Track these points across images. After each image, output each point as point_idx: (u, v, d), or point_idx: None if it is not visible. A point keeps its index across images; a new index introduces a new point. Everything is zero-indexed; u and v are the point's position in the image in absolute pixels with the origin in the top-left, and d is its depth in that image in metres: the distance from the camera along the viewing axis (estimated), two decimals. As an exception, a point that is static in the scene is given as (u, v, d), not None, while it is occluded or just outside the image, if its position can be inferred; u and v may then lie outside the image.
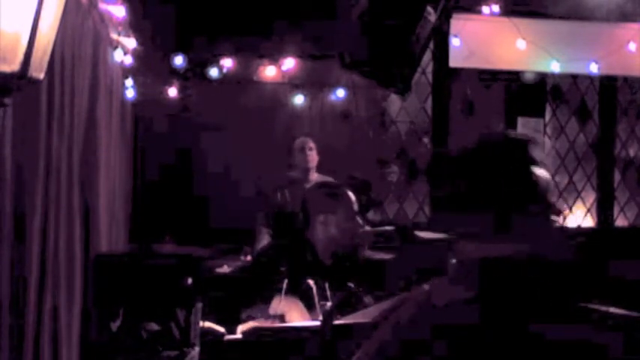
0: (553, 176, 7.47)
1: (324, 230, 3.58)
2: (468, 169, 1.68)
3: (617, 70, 7.30)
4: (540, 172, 1.66)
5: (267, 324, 3.47)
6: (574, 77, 7.46)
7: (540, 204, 1.63)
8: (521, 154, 1.66)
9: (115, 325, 3.84)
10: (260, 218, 5.58)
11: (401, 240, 4.95)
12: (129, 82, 5.60)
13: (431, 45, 6.62)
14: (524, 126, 7.37)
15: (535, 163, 1.65)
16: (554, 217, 1.65)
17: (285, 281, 3.50)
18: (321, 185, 4.14)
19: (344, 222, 3.57)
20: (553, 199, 1.68)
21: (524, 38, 6.86)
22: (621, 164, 7.66)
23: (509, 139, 1.74)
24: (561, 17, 7.00)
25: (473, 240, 1.60)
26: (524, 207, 1.61)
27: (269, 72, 6.67)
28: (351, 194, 3.69)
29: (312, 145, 5.79)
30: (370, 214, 6.09)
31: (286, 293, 3.49)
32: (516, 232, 1.59)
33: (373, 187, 5.74)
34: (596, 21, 6.99)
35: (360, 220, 3.65)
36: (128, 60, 5.31)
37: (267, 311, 3.56)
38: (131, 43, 5.27)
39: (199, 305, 3.79)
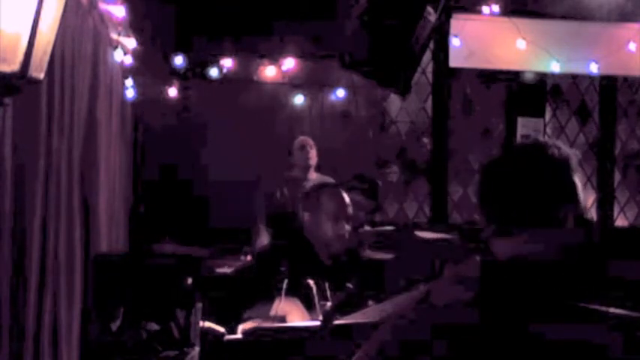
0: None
1: (314, 231, 3.58)
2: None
3: (617, 70, 7.30)
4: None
5: (267, 324, 3.47)
6: (574, 77, 7.46)
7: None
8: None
9: (115, 325, 3.84)
10: (260, 216, 5.58)
11: (401, 240, 4.94)
12: (129, 82, 5.60)
13: (431, 45, 6.62)
14: (524, 126, 7.37)
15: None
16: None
17: (285, 281, 3.49)
18: (319, 186, 4.12)
19: (334, 223, 3.56)
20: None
21: (524, 38, 6.86)
22: (621, 164, 7.66)
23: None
24: (561, 17, 7.00)
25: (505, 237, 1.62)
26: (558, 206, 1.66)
27: (269, 72, 6.68)
28: (345, 196, 3.67)
29: (311, 143, 5.80)
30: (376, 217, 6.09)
31: (286, 293, 3.49)
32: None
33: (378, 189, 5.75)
34: (596, 21, 6.99)
35: (347, 226, 3.62)
36: (128, 60, 5.32)
37: (267, 312, 3.56)
38: (131, 43, 5.27)
39: (199, 305, 3.79)
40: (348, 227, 3.59)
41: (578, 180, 1.70)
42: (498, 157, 1.83)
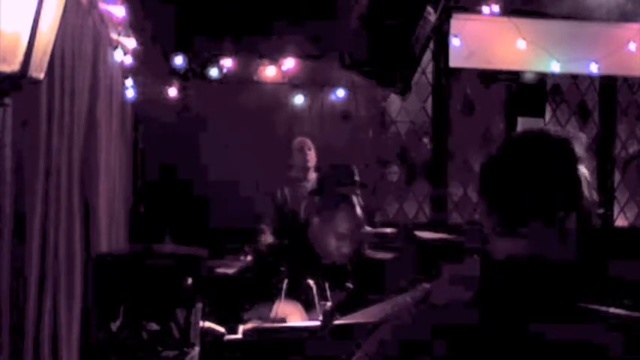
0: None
1: (318, 238, 3.58)
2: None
3: (617, 70, 7.30)
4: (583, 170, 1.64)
5: (268, 325, 3.47)
6: (574, 77, 7.46)
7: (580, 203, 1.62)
8: (562, 150, 1.62)
9: (115, 325, 3.84)
10: (264, 216, 5.58)
11: (403, 240, 4.94)
12: (129, 82, 5.60)
13: (431, 45, 6.62)
14: (524, 126, 7.37)
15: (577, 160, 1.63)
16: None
17: (285, 281, 3.49)
18: (340, 201, 4.06)
19: (339, 239, 3.56)
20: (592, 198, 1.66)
21: (524, 38, 6.86)
22: (621, 164, 7.66)
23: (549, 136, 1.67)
24: (561, 17, 7.00)
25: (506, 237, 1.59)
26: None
27: (269, 72, 6.68)
28: (359, 218, 3.69)
29: (310, 145, 5.81)
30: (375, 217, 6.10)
31: (286, 293, 3.49)
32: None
33: (369, 184, 5.75)
34: (596, 21, 6.99)
35: (350, 247, 3.63)
36: (128, 60, 5.31)
37: (267, 313, 3.56)
38: (131, 43, 5.27)
39: (199, 305, 3.79)
40: (350, 248, 3.60)
41: (584, 173, 1.64)
42: (500, 147, 1.78)
